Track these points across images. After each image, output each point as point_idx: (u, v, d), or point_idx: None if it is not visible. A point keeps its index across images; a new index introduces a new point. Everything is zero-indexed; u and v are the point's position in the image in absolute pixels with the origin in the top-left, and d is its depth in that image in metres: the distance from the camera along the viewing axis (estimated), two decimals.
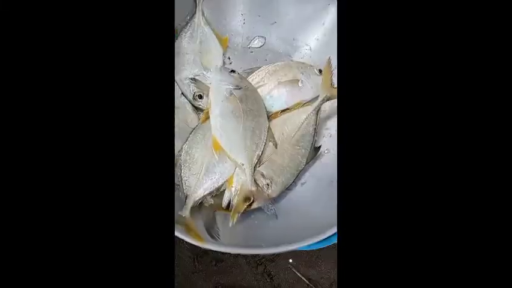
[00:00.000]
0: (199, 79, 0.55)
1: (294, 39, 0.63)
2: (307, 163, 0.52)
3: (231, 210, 0.47)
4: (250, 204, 0.48)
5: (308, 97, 0.55)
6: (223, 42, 0.61)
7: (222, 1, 0.60)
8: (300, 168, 0.52)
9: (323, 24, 0.60)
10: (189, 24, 0.58)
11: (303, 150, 0.52)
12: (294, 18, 0.61)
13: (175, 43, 0.56)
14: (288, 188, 0.52)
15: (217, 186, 0.48)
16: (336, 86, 0.52)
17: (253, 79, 0.57)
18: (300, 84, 0.56)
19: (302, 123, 0.52)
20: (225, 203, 0.48)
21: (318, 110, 0.53)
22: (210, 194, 0.48)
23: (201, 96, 0.55)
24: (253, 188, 0.47)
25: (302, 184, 0.53)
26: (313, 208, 0.50)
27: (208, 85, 0.54)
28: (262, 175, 0.49)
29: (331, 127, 0.57)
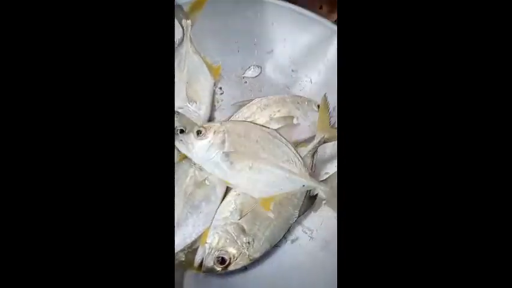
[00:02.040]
0: (182, 112, 0.49)
1: (293, 70, 0.56)
2: (300, 215, 0.45)
3: (204, 271, 0.40)
4: (227, 266, 0.40)
5: (304, 136, 0.48)
6: (215, 72, 0.56)
7: (214, 28, 0.55)
8: (291, 222, 0.45)
9: (326, 55, 0.53)
10: (177, 52, 0.53)
11: (296, 200, 0.44)
12: (293, 46, 0.55)
13: None
14: (276, 245, 0.44)
15: (189, 242, 0.41)
16: (336, 126, 0.45)
17: (244, 113, 0.51)
18: (295, 122, 0.49)
19: None
20: (197, 262, 0.41)
21: (314, 153, 0.46)
22: (181, 251, 0.41)
23: (182, 131, 0.48)
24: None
25: (293, 241, 0.46)
26: (306, 273, 0.41)
27: (192, 119, 0.48)
28: (243, 231, 0.42)
29: (332, 172, 0.49)
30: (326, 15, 0.61)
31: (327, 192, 0.43)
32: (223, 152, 0.41)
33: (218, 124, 0.44)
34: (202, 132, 0.42)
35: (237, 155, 0.42)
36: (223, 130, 0.43)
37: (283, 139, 0.44)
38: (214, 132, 0.42)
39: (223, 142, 0.42)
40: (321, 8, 0.69)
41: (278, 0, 0.53)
